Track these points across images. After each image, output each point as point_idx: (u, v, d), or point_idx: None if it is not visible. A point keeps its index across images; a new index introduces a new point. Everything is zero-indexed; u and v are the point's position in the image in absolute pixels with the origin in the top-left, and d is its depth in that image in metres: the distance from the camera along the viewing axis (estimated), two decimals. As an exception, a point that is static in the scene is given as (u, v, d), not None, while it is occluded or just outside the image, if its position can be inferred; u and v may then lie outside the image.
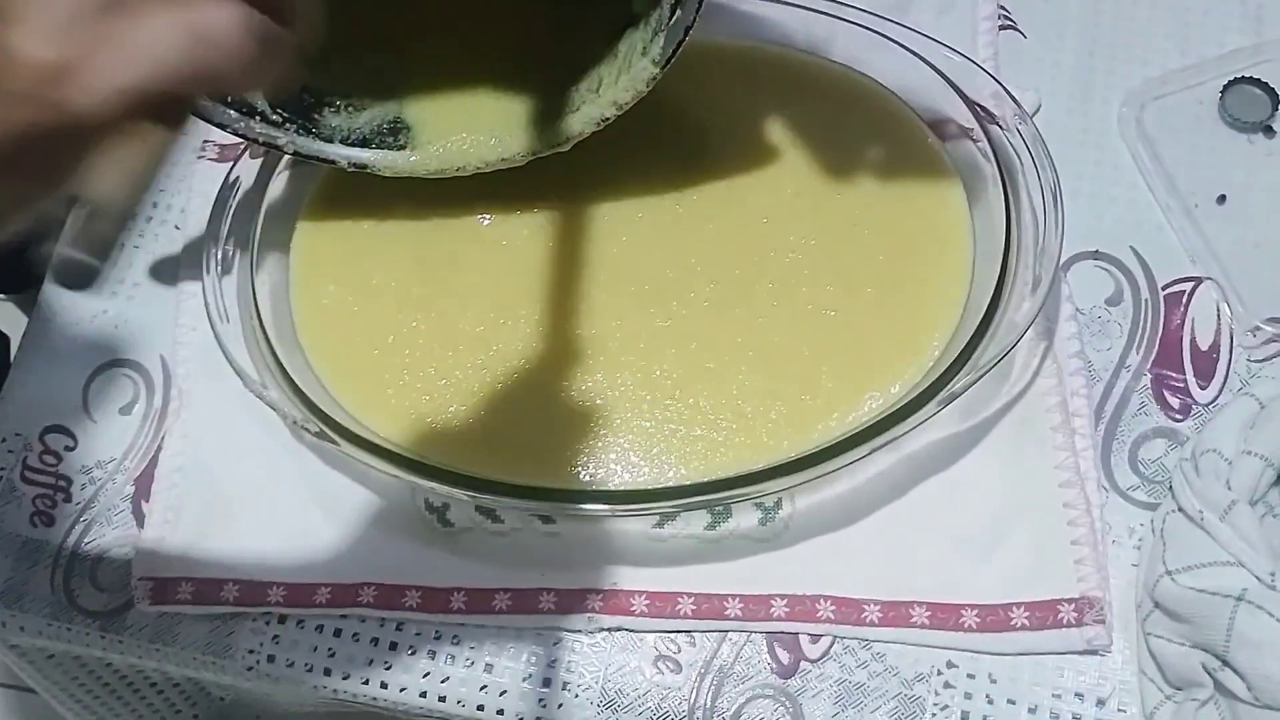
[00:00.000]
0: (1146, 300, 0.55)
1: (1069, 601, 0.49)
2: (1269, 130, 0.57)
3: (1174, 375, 0.54)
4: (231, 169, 0.54)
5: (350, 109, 0.54)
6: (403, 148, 0.54)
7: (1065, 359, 0.53)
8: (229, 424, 0.54)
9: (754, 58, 0.57)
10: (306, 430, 0.49)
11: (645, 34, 0.49)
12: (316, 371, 0.52)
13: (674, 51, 0.47)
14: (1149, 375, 0.54)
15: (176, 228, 0.61)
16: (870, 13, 0.55)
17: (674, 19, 0.46)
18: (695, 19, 0.46)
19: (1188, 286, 0.55)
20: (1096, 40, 0.61)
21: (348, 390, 0.52)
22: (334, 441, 0.49)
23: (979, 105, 0.53)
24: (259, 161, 0.55)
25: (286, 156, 0.54)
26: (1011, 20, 0.62)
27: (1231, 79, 0.58)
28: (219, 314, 0.51)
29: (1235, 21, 0.60)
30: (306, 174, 0.56)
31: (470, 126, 0.54)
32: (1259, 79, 0.58)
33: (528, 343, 0.52)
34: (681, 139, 0.56)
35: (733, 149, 0.55)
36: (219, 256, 0.52)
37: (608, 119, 0.51)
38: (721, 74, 0.56)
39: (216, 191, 0.54)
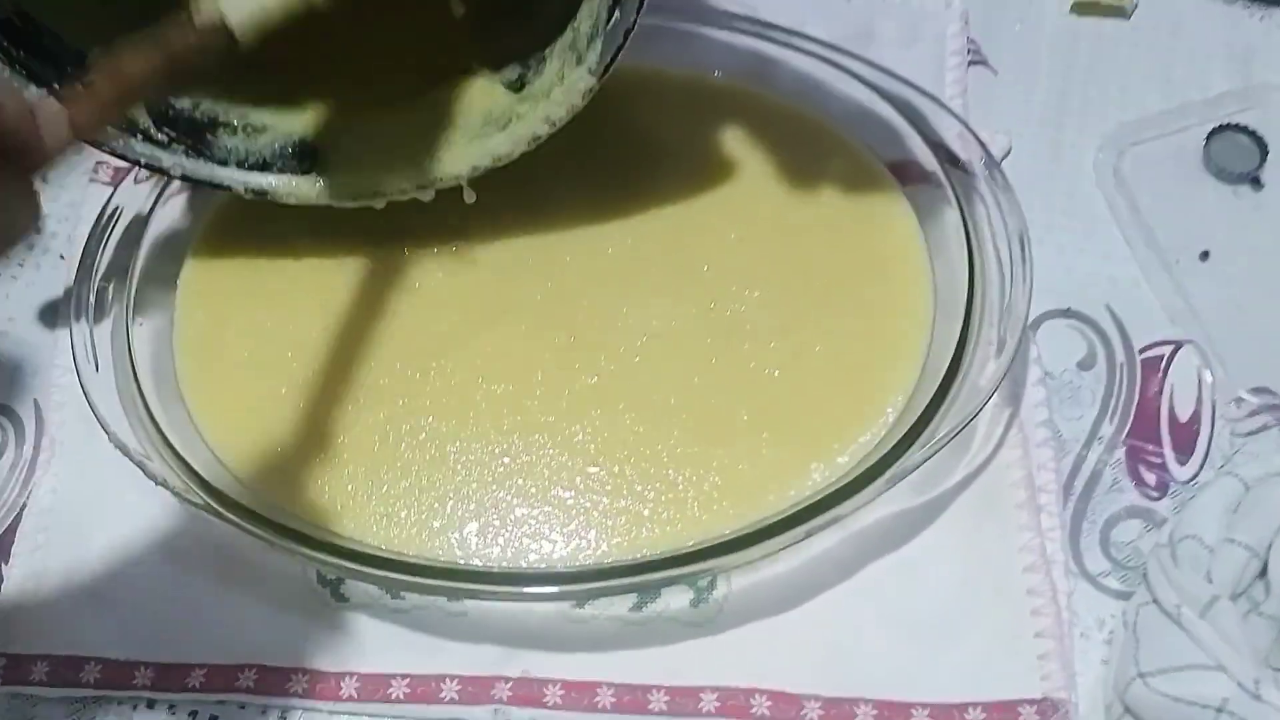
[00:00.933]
0: (1122, 364, 0.50)
1: (1030, 703, 0.44)
2: (1256, 182, 0.53)
3: (1150, 449, 0.49)
4: (112, 195, 0.49)
5: (249, 129, 0.48)
6: (308, 173, 0.49)
7: (1032, 428, 0.48)
8: (103, 480, 0.49)
9: (697, 88, 0.52)
10: (185, 499, 0.43)
11: (579, 41, 0.44)
12: (199, 427, 0.47)
13: (612, 59, 0.42)
14: (1123, 448, 0.49)
15: (61, 257, 0.55)
16: (826, 43, 0.50)
17: (612, 22, 0.41)
18: (636, 21, 0.41)
19: (1166, 350, 0.50)
20: (1071, 79, 0.56)
21: (234, 449, 0.46)
22: (217, 512, 0.43)
23: (943, 147, 0.48)
24: (147, 186, 0.50)
25: (177, 181, 0.49)
26: (981, 55, 0.57)
27: (1217, 126, 0.53)
28: (88, 359, 0.46)
29: (1220, 64, 0.56)
30: (200, 202, 0.51)
31: (385, 150, 0.49)
32: (1246, 126, 0.53)
33: (437, 399, 0.47)
34: (617, 176, 0.51)
35: (673, 189, 0.50)
36: (92, 294, 0.47)
37: (540, 137, 0.46)
38: (661, 105, 0.52)
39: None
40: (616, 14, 0.41)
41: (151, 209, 0.49)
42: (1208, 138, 0.53)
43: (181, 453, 0.44)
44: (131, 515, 0.48)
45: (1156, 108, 0.55)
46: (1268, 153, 0.53)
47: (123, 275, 0.48)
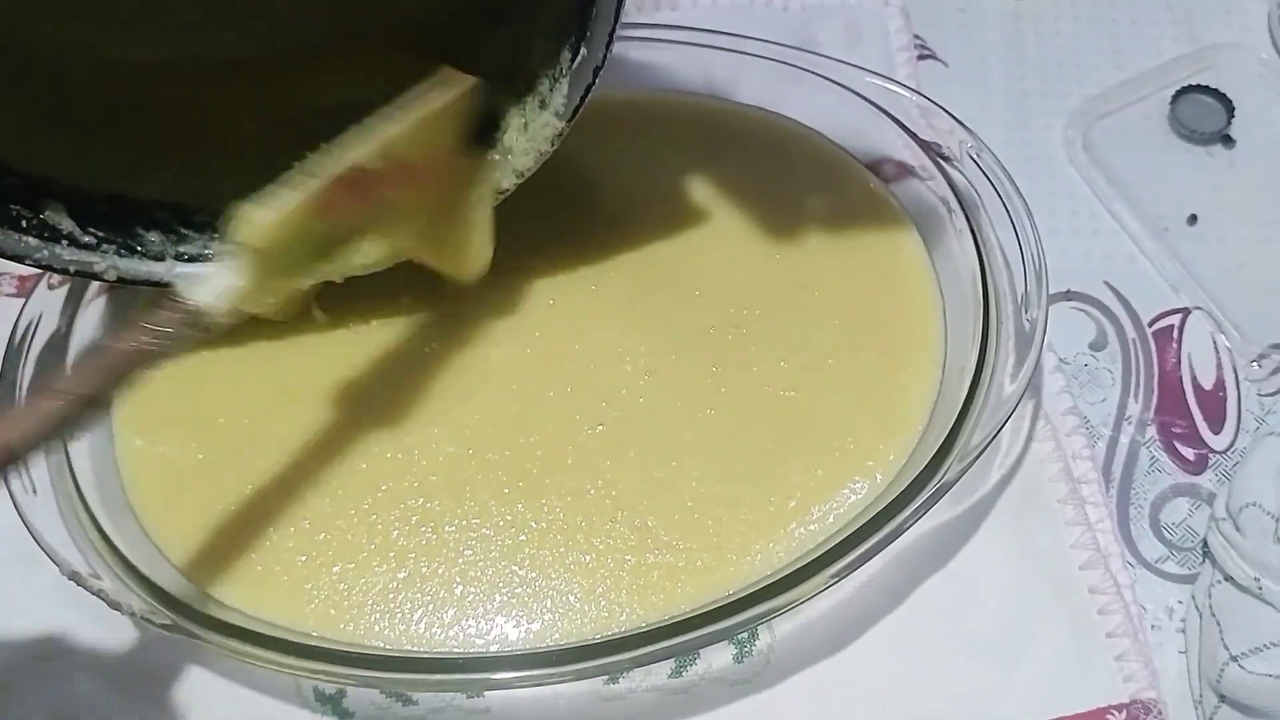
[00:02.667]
0: (1134, 340, 0.48)
1: (1119, 709, 0.41)
2: (1227, 139, 0.52)
3: (1181, 422, 0.46)
4: (24, 307, 0.43)
5: (179, 217, 0.44)
6: None
7: (1059, 417, 0.46)
8: (55, 623, 0.42)
9: (655, 109, 0.49)
10: (150, 621, 0.38)
11: (540, 85, 0.41)
12: (156, 541, 0.41)
13: (582, 99, 0.39)
14: (1154, 425, 0.46)
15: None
16: (777, 44, 0.48)
17: (578, 61, 0.38)
18: (606, 57, 0.38)
19: (1176, 319, 0.48)
20: (1025, 62, 0.55)
21: (201, 563, 0.40)
22: (189, 633, 0.37)
23: (921, 138, 0.46)
24: (63, 291, 0.44)
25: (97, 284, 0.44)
26: (929, 49, 0.55)
27: (1179, 89, 0.52)
28: (24, 486, 0.40)
29: (1167, 29, 0.55)
30: (125, 298, 0.45)
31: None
32: (1207, 86, 0.52)
33: (424, 477, 0.42)
34: (588, 211, 0.47)
35: (649, 216, 0.47)
36: (16, 410, 0.41)
37: (506, 191, 0.42)
38: (622, 132, 0.48)
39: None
40: (583, 52, 0.38)
41: (73, 315, 0.44)
42: (1172, 102, 0.52)
43: (141, 570, 0.39)
44: (90, 658, 0.42)
45: (1113, 79, 0.54)
46: (1234, 110, 0.52)
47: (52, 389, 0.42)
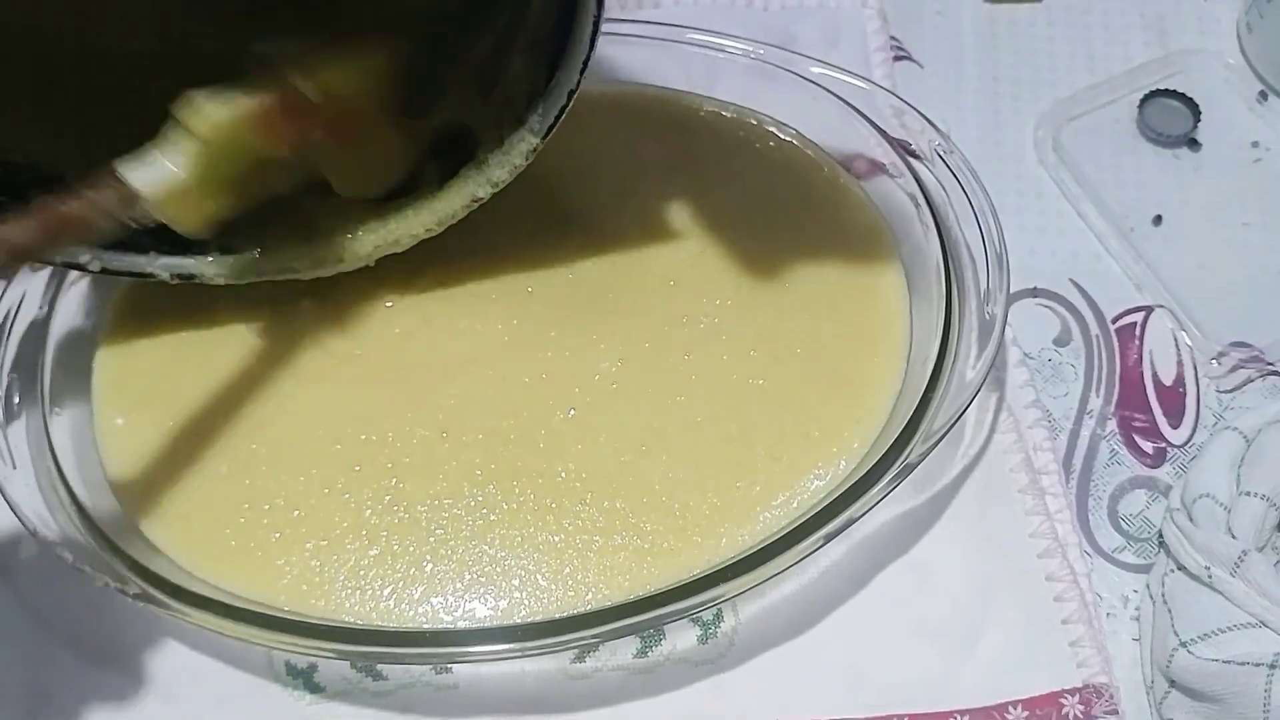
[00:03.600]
0: (1097, 336, 0.49)
1: (1071, 692, 0.42)
2: (1193, 143, 0.53)
3: (1140, 416, 0.47)
4: (7, 288, 0.44)
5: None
6: (236, 250, 0.45)
7: (1021, 410, 0.47)
8: (31, 594, 0.43)
9: (631, 102, 0.50)
10: (124, 592, 0.38)
11: (516, 102, 0.42)
12: (133, 517, 0.42)
13: (556, 119, 0.40)
14: (1114, 419, 0.47)
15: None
16: (756, 42, 0.49)
17: (553, 82, 0.39)
18: (580, 80, 0.39)
19: (1139, 317, 0.50)
20: (998, 64, 0.56)
21: (176, 538, 0.41)
22: (161, 603, 0.38)
23: (892, 136, 0.47)
24: (44, 275, 0.45)
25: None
26: (905, 51, 0.56)
27: (1147, 93, 0.53)
28: (4, 459, 0.41)
29: (1138, 34, 0.56)
30: (106, 282, 0.46)
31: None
32: (1175, 90, 0.53)
33: (398, 460, 0.43)
34: (565, 201, 0.48)
35: (626, 208, 0.48)
36: (0, 390, 0.42)
37: (481, 199, 0.43)
38: (597, 124, 0.49)
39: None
40: (559, 73, 0.40)
41: (55, 295, 0.45)
42: (1140, 105, 0.53)
43: (116, 543, 0.39)
44: (67, 628, 0.43)
45: (1084, 82, 0.55)
46: (1200, 114, 0.53)
47: (32, 368, 0.43)
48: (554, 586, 0.41)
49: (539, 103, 0.41)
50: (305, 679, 0.42)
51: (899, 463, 0.40)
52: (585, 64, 0.39)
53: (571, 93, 0.40)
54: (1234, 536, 0.41)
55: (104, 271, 0.43)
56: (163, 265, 0.44)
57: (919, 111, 0.47)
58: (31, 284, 0.45)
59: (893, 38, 0.56)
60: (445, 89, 0.46)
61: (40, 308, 0.45)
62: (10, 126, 0.42)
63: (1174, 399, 0.48)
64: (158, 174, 0.37)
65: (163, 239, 0.44)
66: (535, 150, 0.42)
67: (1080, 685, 0.42)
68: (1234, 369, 0.48)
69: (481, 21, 0.45)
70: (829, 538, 0.39)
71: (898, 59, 0.56)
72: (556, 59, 0.40)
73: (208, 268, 0.44)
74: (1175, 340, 0.49)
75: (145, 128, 0.41)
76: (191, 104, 0.37)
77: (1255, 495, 0.42)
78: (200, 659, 0.42)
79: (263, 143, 0.39)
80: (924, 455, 0.40)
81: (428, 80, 0.45)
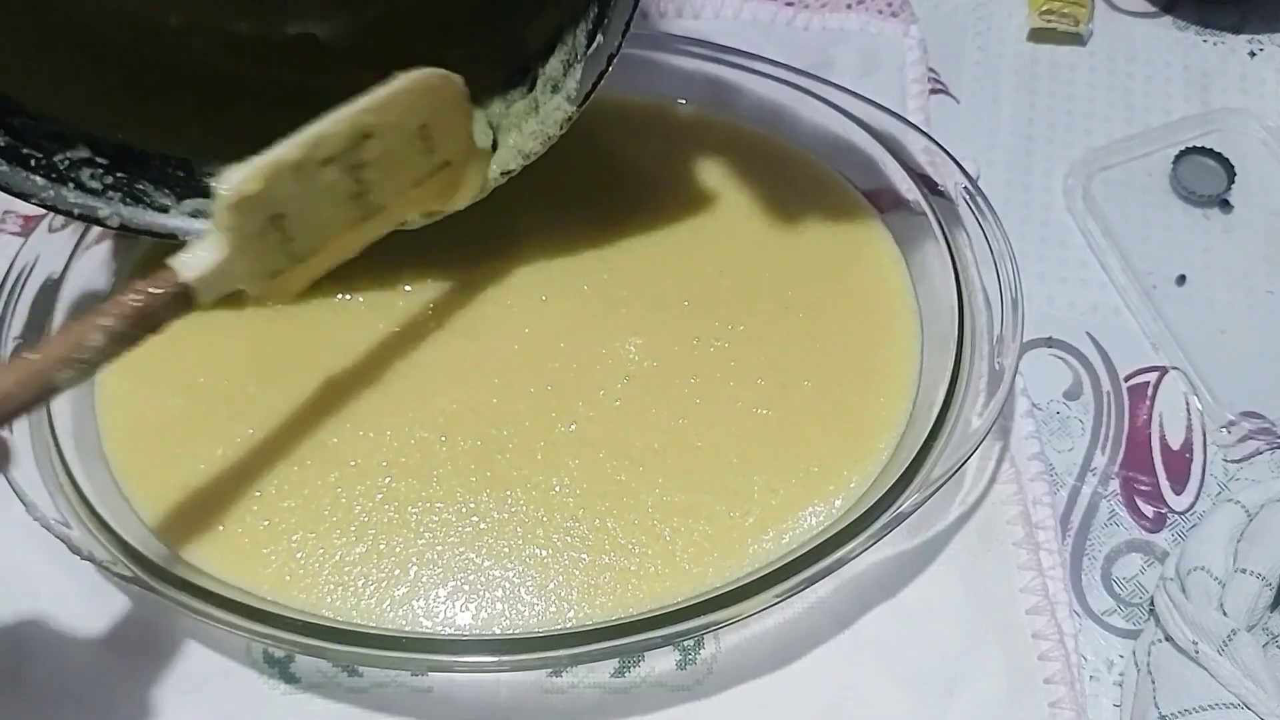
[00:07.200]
0: (1108, 393, 0.49)
1: (1047, 754, 0.41)
2: (1225, 205, 0.52)
3: (1144, 479, 0.47)
4: (22, 247, 0.44)
5: (185, 168, 0.44)
6: None
7: (1024, 462, 0.46)
8: (18, 560, 0.43)
9: (664, 117, 0.49)
10: (110, 570, 0.39)
11: (553, 68, 0.41)
12: (126, 493, 0.42)
13: (594, 85, 0.40)
14: (1117, 479, 0.47)
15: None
16: (791, 68, 0.48)
17: (593, 48, 0.39)
18: (621, 45, 0.38)
19: (1152, 377, 0.49)
20: (1035, 106, 0.55)
21: (166, 518, 0.41)
22: (148, 586, 0.38)
23: (920, 173, 0.46)
24: (63, 235, 0.45)
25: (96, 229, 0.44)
26: (942, 84, 0.56)
27: (1182, 149, 0.53)
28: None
29: (1180, 88, 0.56)
30: (123, 249, 0.46)
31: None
32: (1211, 149, 0.53)
33: (394, 459, 0.43)
34: (588, 211, 0.48)
35: (648, 222, 0.47)
36: (5, 354, 0.42)
37: (512, 172, 0.43)
38: (629, 136, 0.49)
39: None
40: (600, 38, 0.39)
41: (69, 260, 0.45)
42: (1174, 161, 0.53)
43: (108, 521, 0.39)
44: (49, 598, 0.43)
45: (1120, 133, 0.54)
46: (1235, 175, 0.52)
47: (39, 333, 0.43)
48: (536, 601, 0.40)
49: (576, 69, 0.40)
50: (281, 668, 0.42)
51: (893, 510, 0.40)
52: (628, 27, 0.38)
53: (612, 57, 0.39)
54: (1225, 614, 0.41)
55: (122, 229, 0.43)
56: (185, 226, 0.44)
57: (948, 152, 0.46)
58: (42, 248, 0.45)
59: (931, 70, 0.56)
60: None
61: (51, 275, 0.45)
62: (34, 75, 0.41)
63: (1180, 464, 0.47)
64: (200, 261, 0.36)
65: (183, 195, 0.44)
66: (570, 119, 0.41)
67: (1056, 747, 0.41)
68: (1243, 439, 0.47)
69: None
70: (814, 580, 0.39)
71: (934, 92, 0.55)
72: (597, 25, 0.39)
73: None
74: (1187, 404, 0.48)
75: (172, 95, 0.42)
76: (219, 177, 0.37)
77: (1251, 574, 0.41)
78: (181, 639, 0.42)
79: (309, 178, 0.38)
80: (918, 505, 0.40)
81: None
